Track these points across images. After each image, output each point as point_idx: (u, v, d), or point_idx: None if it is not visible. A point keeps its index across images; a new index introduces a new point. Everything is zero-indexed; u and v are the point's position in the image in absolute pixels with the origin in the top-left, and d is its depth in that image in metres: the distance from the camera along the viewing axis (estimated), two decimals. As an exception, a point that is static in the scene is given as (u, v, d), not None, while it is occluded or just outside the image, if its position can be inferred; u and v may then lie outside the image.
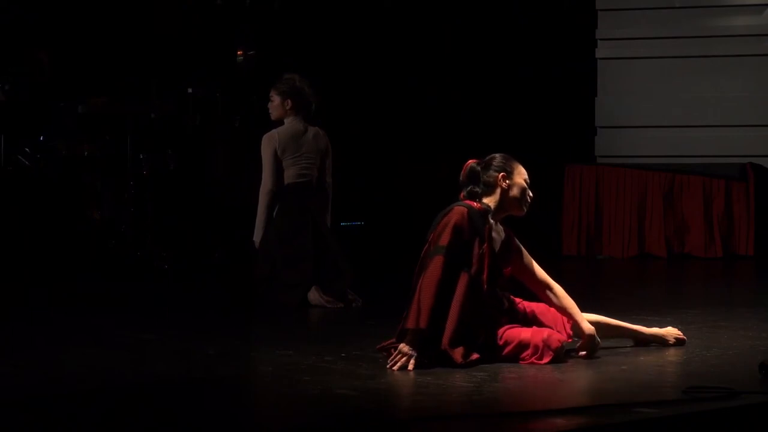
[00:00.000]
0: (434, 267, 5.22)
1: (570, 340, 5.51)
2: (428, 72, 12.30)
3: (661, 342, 5.76)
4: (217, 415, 4.29)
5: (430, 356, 5.19)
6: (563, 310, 5.50)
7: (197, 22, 11.31)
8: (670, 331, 5.81)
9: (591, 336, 5.43)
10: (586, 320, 5.50)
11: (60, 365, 5.41)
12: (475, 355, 5.19)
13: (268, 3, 11.63)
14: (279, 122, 7.76)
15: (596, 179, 11.43)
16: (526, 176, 5.50)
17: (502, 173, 5.44)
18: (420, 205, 11.72)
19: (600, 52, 12.23)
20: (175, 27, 11.20)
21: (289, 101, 7.69)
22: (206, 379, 5.09)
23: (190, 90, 10.37)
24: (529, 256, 5.53)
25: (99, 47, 10.66)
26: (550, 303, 5.53)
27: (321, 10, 11.88)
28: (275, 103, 7.73)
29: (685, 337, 5.81)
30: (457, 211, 5.32)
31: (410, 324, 5.17)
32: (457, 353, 5.16)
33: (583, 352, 5.43)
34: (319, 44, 11.67)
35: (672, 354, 5.60)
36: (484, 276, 5.31)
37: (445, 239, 5.25)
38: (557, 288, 5.53)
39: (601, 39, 12.23)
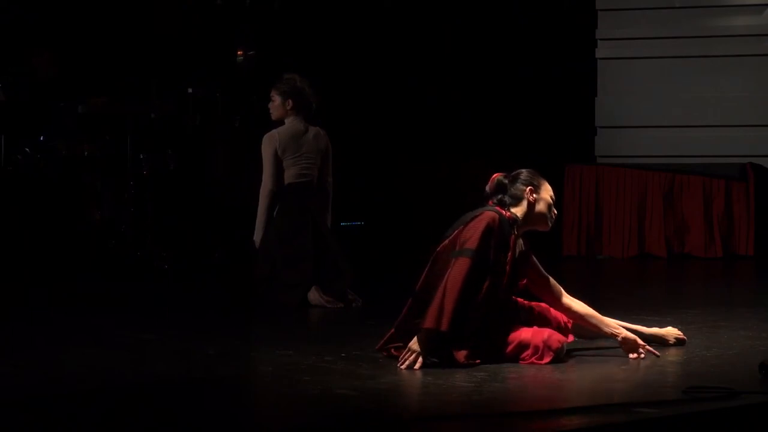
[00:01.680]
0: (460, 269, 5.20)
1: (570, 340, 5.52)
2: (428, 72, 12.30)
3: (661, 342, 5.76)
4: (217, 415, 4.29)
5: (440, 356, 5.20)
6: (583, 320, 5.49)
7: (197, 22, 11.31)
8: (670, 331, 5.81)
9: (625, 339, 5.44)
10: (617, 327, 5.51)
11: (60, 365, 5.41)
12: (477, 360, 5.20)
13: (268, 3, 11.63)
14: (279, 122, 7.76)
15: (596, 179, 11.43)
16: (552, 193, 5.53)
17: (530, 187, 5.47)
18: (420, 205, 11.79)
19: (600, 52, 12.23)
20: (175, 27, 11.20)
21: (290, 101, 7.69)
22: (206, 379, 5.09)
23: (190, 90, 10.37)
24: (545, 274, 5.53)
25: (99, 47, 10.66)
26: (574, 318, 5.52)
27: (321, 10, 11.88)
28: (276, 103, 7.73)
29: (685, 337, 5.81)
30: (489, 215, 5.32)
31: (429, 324, 5.14)
32: (461, 354, 5.16)
33: (637, 354, 5.43)
34: (319, 44, 11.67)
35: (672, 354, 5.60)
36: (503, 284, 5.32)
37: (474, 242, 5.24)
38: (571, 300, 5.53)
39: (601, 39, 12.23)
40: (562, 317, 5.57)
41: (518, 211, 5.46)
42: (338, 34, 11.88)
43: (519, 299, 5.57)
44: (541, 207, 5.49)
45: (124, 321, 6.94)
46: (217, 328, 6.72)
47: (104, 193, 9.68)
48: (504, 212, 5.41)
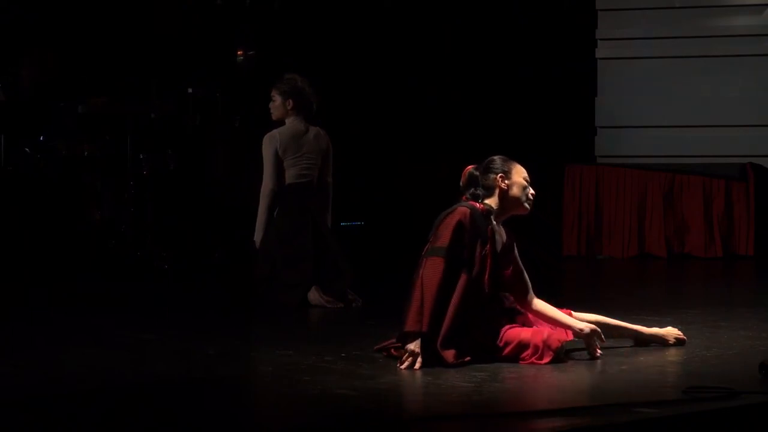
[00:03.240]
0: (435, 269, 5.22)
1: (570, 339, 5.52)
2: (428, 72, 12.29)
3: (661, 342, 5.76)
4: (217, 415, 4.29)
5: (426, 356, 5.20)
6: (554, 321, 5.49)
7: (197, 22, 11.31)
8: (670, 331, 5.81)
9: (589, 335, 5.44)
10: (580, 320, 5.51)
11: (60, 365, 5.42)
12: (467, 358, 5.20)
13: (268, 3, 11.63)
14: (280, 122, 7.76)
15: (596, 179, 11.43)
16: (526, 175, 5.52)
17: (500, 174, 5.47)
18: (420, 205, 11.74)
19: (600, 52, 12.23)
20: (175, 27, 11.20)
21: (291, 101, 7.69)
22: (206, 379, 5.10)
23: (190, 90, 10.36)
24: (521, 268, 5.52)
25: (99, 47, 10.65)
26: (537, 315, 5.51)
27: (321, 10, 11.88)
28: (276, 103, 7.73)
29: (685, 337, 5.81)
30: (460, 211, 5.34)
31: (410, 326, 5.17)
32: (449, 354, 5.16)
33: (597, 352, 5.43)
34: (319, 44, 11.66)
35: (672, 354, 5.60)
36: (486, 277, 5.32)
37: (445, 240, 5.26)
38: (542, 303, 5.52)
39: (601, 39, 12.23)
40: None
41: (492, 201, 5.46)
42: (338, 34, 11.87)
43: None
44: (514, 191, 5.48)
45: (124, 321, 6.94)
46: (217, 328, 6.72)
47: (104, 193, 9.68)
48: (477, 205, 5.41)
